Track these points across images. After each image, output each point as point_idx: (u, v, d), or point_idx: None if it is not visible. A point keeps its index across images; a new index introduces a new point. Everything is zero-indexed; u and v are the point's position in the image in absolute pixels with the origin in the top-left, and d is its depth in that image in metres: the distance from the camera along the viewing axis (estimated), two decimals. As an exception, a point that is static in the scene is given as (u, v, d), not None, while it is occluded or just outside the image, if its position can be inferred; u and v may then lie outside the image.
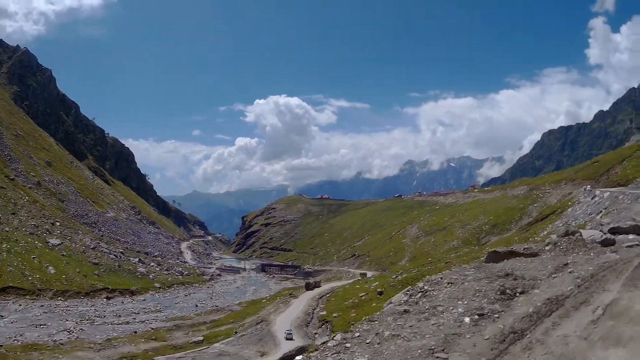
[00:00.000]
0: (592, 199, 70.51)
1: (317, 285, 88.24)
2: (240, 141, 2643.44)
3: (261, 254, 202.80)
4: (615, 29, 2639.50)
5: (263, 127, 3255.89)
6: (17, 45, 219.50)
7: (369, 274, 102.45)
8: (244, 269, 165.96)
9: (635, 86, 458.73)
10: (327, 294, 75.30)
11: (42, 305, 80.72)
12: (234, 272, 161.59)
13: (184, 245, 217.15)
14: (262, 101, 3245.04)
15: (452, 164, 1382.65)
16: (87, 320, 75.37)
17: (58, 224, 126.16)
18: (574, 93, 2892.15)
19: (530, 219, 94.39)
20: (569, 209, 75.44)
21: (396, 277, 70.72)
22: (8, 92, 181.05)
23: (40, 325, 68.33)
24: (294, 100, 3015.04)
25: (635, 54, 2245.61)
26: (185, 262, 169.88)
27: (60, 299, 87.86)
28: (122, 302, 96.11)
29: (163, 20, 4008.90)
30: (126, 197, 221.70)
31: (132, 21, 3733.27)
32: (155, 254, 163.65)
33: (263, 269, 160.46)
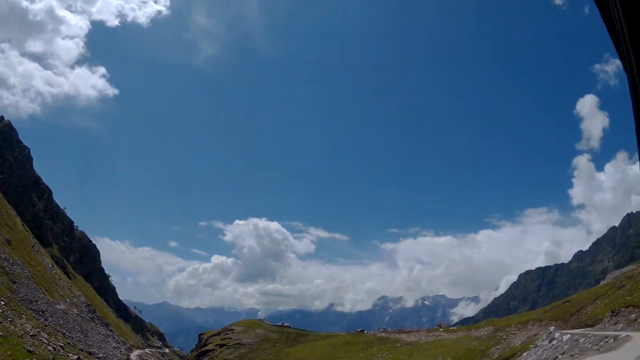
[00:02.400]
0: (549, 342, 71.57)
1: None
2: (217, 259, 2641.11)
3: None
4: (600, 167, 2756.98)
5: (240, 248, 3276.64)
6: (2, 115, 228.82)
7: None
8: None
9: (616, 224, 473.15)
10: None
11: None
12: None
13: (135, 353, 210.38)
14: (241, 222, 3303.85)
15: (426, 302, 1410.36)
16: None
17: (2, 303, 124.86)
18: (555, 233, 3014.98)
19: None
20: (524, 354, 76.62)
21: None
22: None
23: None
24: (274, 225, 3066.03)
25: (618, 193, 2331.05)
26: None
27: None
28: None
29: (155, 126, 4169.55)
30: (84, 294, 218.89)
31: (125, 120, 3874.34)
32: (100, 355, 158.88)
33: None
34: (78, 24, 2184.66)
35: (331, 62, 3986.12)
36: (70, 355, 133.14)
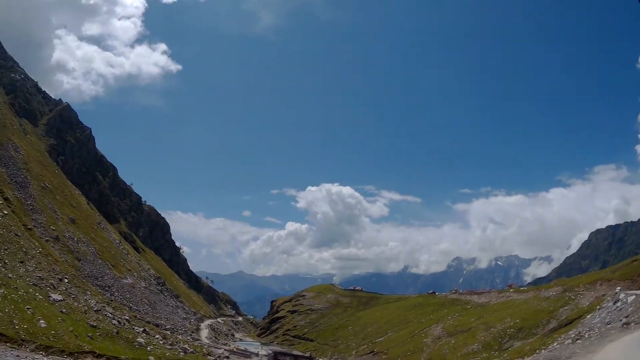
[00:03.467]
0: (613, 303, 66.40)
1: None
2: (291, 226, 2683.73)
3: (283, 340, 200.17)
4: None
5: (314, 214, 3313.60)
6: (60, 99, 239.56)
7: None
8: (257, 355, 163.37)
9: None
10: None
11: (17, 356, 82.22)
12: (244, 356, 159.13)
13: (205, 322, 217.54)
14: (314, 188, 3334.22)
15: (499, 263, 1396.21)
16: (55, 377, 76.12)
17: (66, 280, 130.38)
18: (624, 190, 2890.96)
19: (557, 323, 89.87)
20: (589, 316, 71.54)
21: None
22: (44, 144, 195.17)
23: (2, 373, 69.72)
24: (347, 190, 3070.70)
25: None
26: (198, 340, 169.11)
27: (41, 354, 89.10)
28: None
29: (221, 98, 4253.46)
30: (153, 267, 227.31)
31: (190, 95, 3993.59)
32: (167, 326, 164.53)
33: (275, 357, 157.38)
34: (133, 3, 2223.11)
35: (393, 25, 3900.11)
36: (136, 328, 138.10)
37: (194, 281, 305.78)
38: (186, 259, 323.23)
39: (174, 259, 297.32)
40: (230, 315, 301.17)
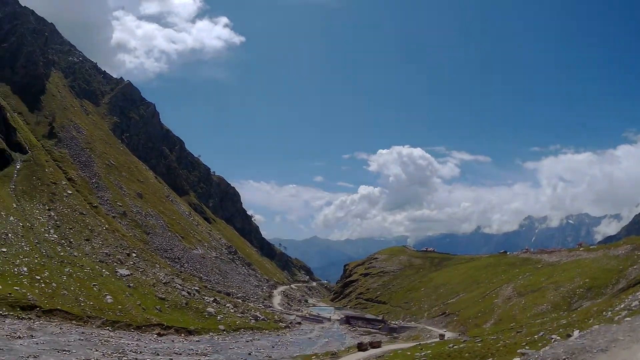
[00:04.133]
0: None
1: (375, 345, 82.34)
2: (364, 190, 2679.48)
3: (356, 304, 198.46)
4: None
5: (386, 177, 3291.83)
6: (121, 77, 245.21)
7: (448, 335, 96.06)
8: (329, 320, 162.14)
9: None
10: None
11: (82, 332, 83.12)
12: (316, 321, 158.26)
13: (278, 289, 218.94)
14: (385, 151, 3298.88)
15: (570, 221, 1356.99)
16: (118, 353, 75.84)
17: (134, 255, 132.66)
18: None
19: (626, 283, 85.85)
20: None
21: (453, 346, 64.29)
22: (107, 123, 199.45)
23: (64, 351, 69.72)
24: (417, 151, 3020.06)
25: None
26: (270, 307, 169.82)
27: (108, 329, 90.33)
28: (172, 341, 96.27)
29: (285, 66, 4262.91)
30: (224, 236, 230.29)
31: (255, 66, 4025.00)
32: (239, 295, 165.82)
33: (348, 321, 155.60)
34: None
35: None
36: (206, 297, 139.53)
37: (266, 248, 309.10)
38: (258, 227, 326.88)
39: (246, 227, 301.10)
40: (303, 281, 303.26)
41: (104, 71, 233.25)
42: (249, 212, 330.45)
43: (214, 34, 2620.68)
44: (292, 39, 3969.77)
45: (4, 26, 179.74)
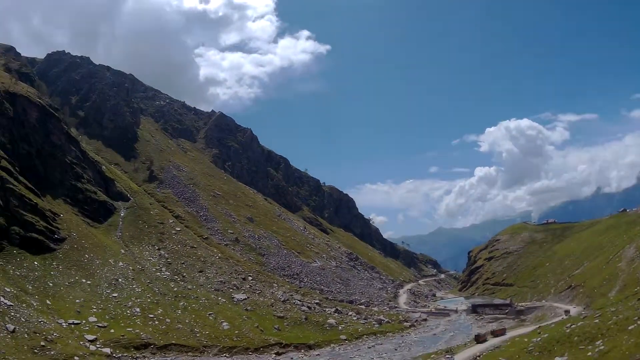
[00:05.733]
0: None
1: (498, 333, 76.72)
2: (479, 171, 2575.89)
3: (483, 291, 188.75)
4: None
5: (499, 154, 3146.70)
6: (212, 110, 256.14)
7: (573, 310, 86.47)
8: (455, 312, 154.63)
9: None
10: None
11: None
12: (443, 315, 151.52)
13: (405, 288, 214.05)
14: (492, 129, 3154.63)
15: None
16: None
17: (250, 278, 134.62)
18: None
19: None
20: None
21: (571, 325, 57.49)
22: (207, 156, 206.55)
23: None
24: (524, 122, 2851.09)
25: None
26: (395, 307, 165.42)
27: (225, 356, 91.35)
28: (291, 359, 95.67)
29: (374, 66, 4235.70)
30: (344, 244, 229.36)
31: (345, 70, 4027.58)
32: (362, 301, 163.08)
33: (474, 309, 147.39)
34: (263, 2, 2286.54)
35: None
36: (327, 309, 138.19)
37: (389, 248, 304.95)
38: (378, 229, 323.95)
39: (365, 231, 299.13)
40: (432, 275, 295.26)
41: (194, 107, 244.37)
42: (369, 216, 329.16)
43: (299, 48, 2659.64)
44: (377, 38, 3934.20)
45: (82, 86, 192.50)
